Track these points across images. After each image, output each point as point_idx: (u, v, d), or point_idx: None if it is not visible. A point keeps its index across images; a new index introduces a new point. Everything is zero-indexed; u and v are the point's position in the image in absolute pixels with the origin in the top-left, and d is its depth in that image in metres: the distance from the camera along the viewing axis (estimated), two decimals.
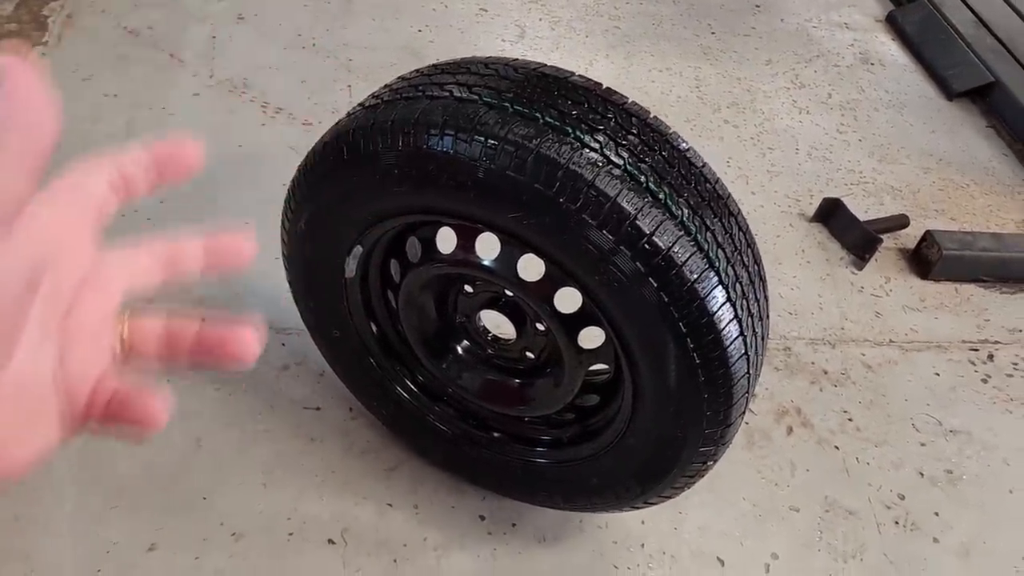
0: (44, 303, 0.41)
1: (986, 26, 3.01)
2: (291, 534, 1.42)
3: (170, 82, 2.25)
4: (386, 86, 1.18)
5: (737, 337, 1.07)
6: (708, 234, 1.05)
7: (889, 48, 3.03)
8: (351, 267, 1.27)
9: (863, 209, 2.28)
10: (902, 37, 3.08)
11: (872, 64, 2.93)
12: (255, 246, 0.48)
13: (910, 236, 2.23)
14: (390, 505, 1.48)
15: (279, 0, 2.62)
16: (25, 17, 2.36)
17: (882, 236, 2.14)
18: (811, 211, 2.25)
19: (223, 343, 0.46)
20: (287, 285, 1.40)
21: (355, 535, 1.43)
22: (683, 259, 1.01)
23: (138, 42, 2.35)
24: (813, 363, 1.87)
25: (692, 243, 1.03)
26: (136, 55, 2.30)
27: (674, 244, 1.01)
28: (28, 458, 0.41)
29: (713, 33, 2.91)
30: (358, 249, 1.25)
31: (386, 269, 1.32)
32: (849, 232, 2.17)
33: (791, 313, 1.98)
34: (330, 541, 1.42)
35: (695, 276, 1.02)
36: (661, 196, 1.02)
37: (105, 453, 1.46)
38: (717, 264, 1.05)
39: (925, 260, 2.14)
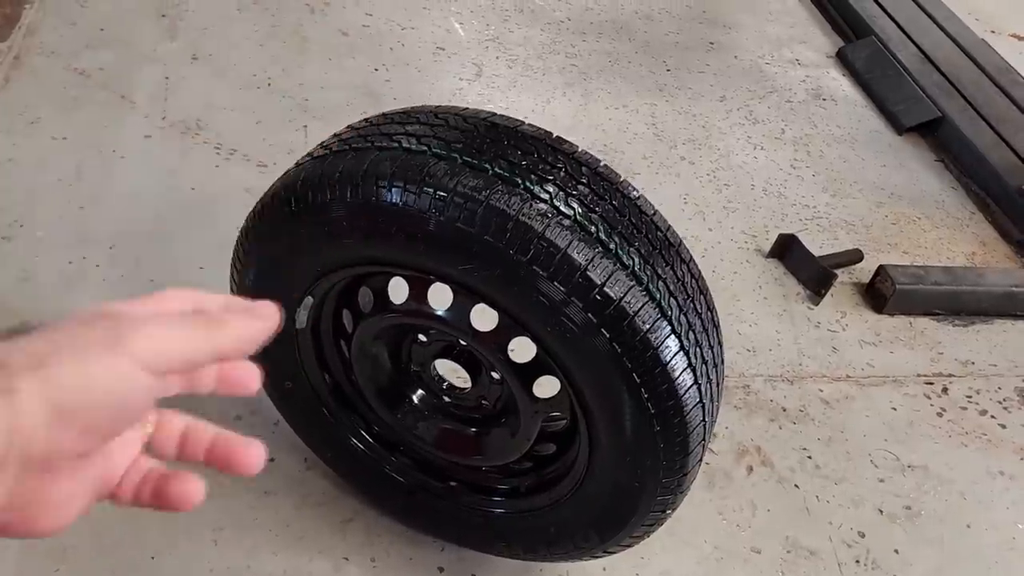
0: None
1: (932, 63, 3.10)
2: None
3: (121, 124, 2.21)
4: (335, 135, 1.17)
5: (692, 386, 1.07)
6: (660, 283, 1.05)
7: (840, 84, 3.10)
8: (302, 318, 1.25)
9: (818, 244, 2.30)
10: (852, 73, 3.15)
11: (824, 100, 2.99)
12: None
13: (864, 270, 2.26)
14: (346, 559, 1.44)
15: (234, 40, 2.60)
16: None
17: (837, 271, 2.16)
18: (767, 247, 2.27)
19: (232, 455, 0.56)
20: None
21: None
22: (635, 309, 1.01)
23: (88, 83, 2.31)
24: (772, 400, 1.88)
25: (644, 293, 1.02)
26: (86, 97, 2.27)
27: (626, 294, 1.01)
28: (64, 522, 0.50)
29: (668, 70, 2.95)
30: (309, 300, 1.22)
31: (338, 319, 1.30)
32: (805, 268, 2.20)
33: (749, 350, 1.99)
34: None
35: (647, 326, 1.02)
36: (612, 246, 1.02)
37: None
38: (669, 313, 1.04)
39: (879, 294, 2.17)
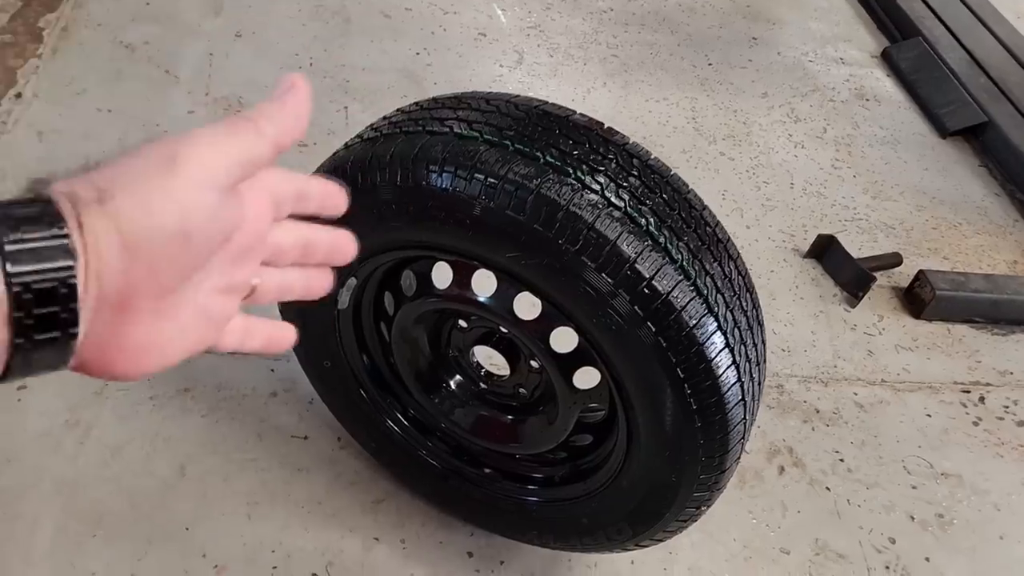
0: (222, 255, 0.53)
1: (980, 65, 3.04)
2: (275, 567, 1.39)
3: (165, 98, 2.23)
4: (385, 118, 1.17)
5: (735, 383, 1.06)
6: (707, 279, 1.04)
7: (884, 84, 3.05)
8: (344, 298, 1.26)
9: (857, 246, 2.28)
10: (897, 74, 3.10)
11: (867, 100, 2.94)
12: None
13: (903, 275, 2.24)
14: (376, 539, 1.45)
15: (278, 18, 2.61)
16: (20, 29, 2.34)
17: (875, 274, 2.14)
18: (805, 247, 2.25)
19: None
20: (278, 311, 1.38)
21: (340, 569, 1.41)
22: (682, 304, 1.00)
23: (134, 57, 2.33)
24: (806, 402, 1.86)
25: (691, 288, 1.02)
26: (131, 70, 2.29)
27: (673, 289, 1.00)
28: (145, 368, 0.51)
29: (710, 64, 2.92)
30: (352, 281, 1.23)
31: (380, 301, 1.30)
32: (843, 269, 2.17)
33: (784, 350, 1.97)
34: (314, 575, 1.39)
35: (694, 321, 1.01)
36: (661, 240, 1.01)
37: (84, 479, 1.43)
38: (716, 309, 1.03)
39: (918, 300, 2.14)
